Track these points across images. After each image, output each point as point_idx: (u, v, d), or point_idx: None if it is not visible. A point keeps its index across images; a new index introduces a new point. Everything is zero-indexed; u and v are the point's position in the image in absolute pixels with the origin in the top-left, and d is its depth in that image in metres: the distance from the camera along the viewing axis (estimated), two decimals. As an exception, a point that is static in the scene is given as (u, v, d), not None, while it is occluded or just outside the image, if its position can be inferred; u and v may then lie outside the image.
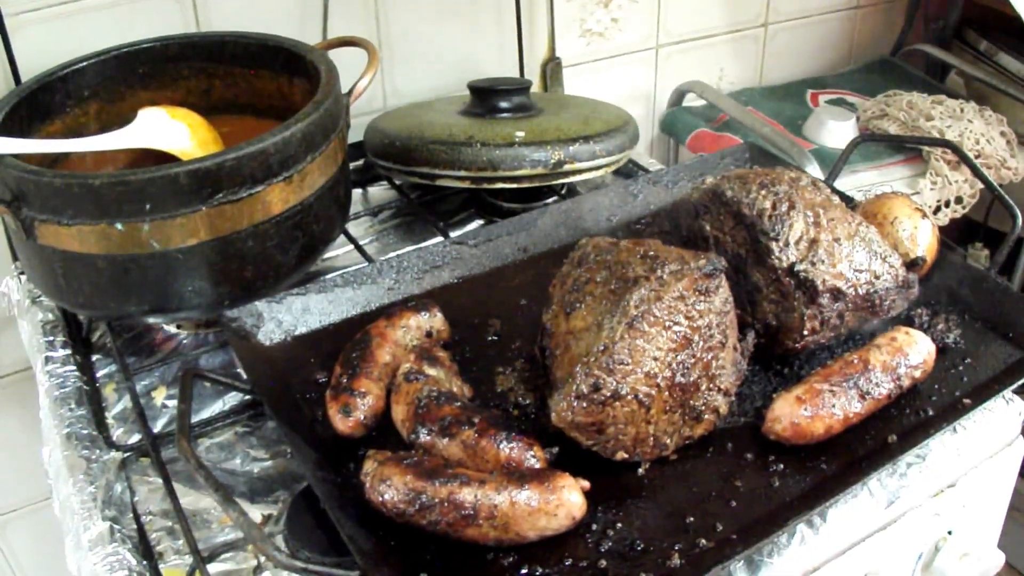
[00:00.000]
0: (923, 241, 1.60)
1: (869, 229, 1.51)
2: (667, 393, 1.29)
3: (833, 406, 1.34)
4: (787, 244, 1.44)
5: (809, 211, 1.47)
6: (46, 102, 1.75)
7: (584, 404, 1.26)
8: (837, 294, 1.45)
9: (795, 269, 1.43)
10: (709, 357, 1.33)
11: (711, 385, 1.34)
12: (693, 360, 1.31)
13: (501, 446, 1.26)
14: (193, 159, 1.47)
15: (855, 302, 1.47)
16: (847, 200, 1.71)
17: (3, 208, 1.47)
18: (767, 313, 1.46)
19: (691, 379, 1.31)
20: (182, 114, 1.75)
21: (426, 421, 1.30)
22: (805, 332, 1.45)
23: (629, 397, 1.26)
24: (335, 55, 1.78)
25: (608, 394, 1.26)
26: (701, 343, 1.32)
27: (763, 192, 1.48)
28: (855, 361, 1.40)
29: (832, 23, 2.99)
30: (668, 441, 1.33)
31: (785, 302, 1.45)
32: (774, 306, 1.46)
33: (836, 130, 2.56)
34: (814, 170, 2.23)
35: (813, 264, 1.43)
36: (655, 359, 1.28)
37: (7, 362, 2.18)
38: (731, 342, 1.37)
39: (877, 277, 1.48)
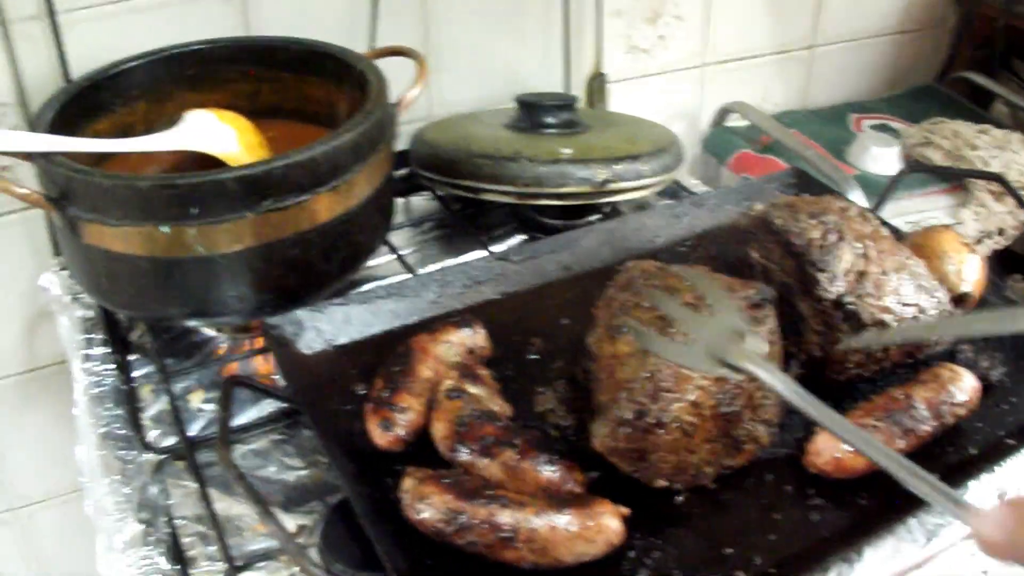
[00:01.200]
0: (970, 276, 1.59)
1: (918, 263, 1.49)
2: (711, 422, 1.28)
3: (876, 442, 1.33)
4: (835, 276, 1.43)
5: (858, 243, 1.46)
6: (95, 100, 1.75)
7: (628, 430, 1.25)
8: (883, 327, 1.44)
9: (842, 301, 1.42)
10: (753, 387, 1.32)
11: (754, 416, 1.33)
12: (738, 390, 1.30)
13: (542, 469, 1.25)
14: (242, 165, 1.48)
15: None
16: (895, 232, 1.70)
17: (50, 206, 1.47)
18: (812, 344, 1.45)
19: (734, 408, 1.30)
20: (230, 118, 1.75)
21: (467, 440, 1.30)
22: (849, 365, 1.44)
23: (673, 425, 1.26)
24: (380, 63, 1.78)
25: (652, 421, 1.25)
26: None
27: (812, 222, 1.47)
28: (899, 397, 1.38)
29: (878, 47, 2.97)
30: (708, 470, 1.33)
31: (830, 334, 1.43)
32: (819, 337, 1.45)
33: (880, 156, 2.54)
34: (858, 196, 2.22)
35: (860, 297, 1.42)
36: (700, 388, 1.27)
37: (43, 355, 2.19)
38: None
39: (923, 311, 1.47)
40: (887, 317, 1.43)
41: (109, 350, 1.72)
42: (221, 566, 1.34)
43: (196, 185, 1.43)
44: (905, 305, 1.45)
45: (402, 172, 2.14)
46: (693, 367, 1.23)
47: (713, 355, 1.20)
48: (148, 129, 1.82)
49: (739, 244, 1.54)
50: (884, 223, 1.63)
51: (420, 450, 1.38)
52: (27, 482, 2.38)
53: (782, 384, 1.15)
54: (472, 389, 1.38)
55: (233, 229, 1.47)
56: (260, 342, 1.73)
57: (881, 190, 2.07)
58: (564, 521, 1.17)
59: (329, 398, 1.48)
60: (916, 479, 1.01)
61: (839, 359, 1.44)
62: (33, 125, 1.59)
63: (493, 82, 2.36)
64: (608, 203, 2.09)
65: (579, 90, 2.47)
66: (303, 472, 1.50)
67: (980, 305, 1.61)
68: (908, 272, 1.47)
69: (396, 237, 2.02)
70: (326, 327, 1.57)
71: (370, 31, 2.10)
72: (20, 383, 2.21)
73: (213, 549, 1.38)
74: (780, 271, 1.48)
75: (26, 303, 2.10)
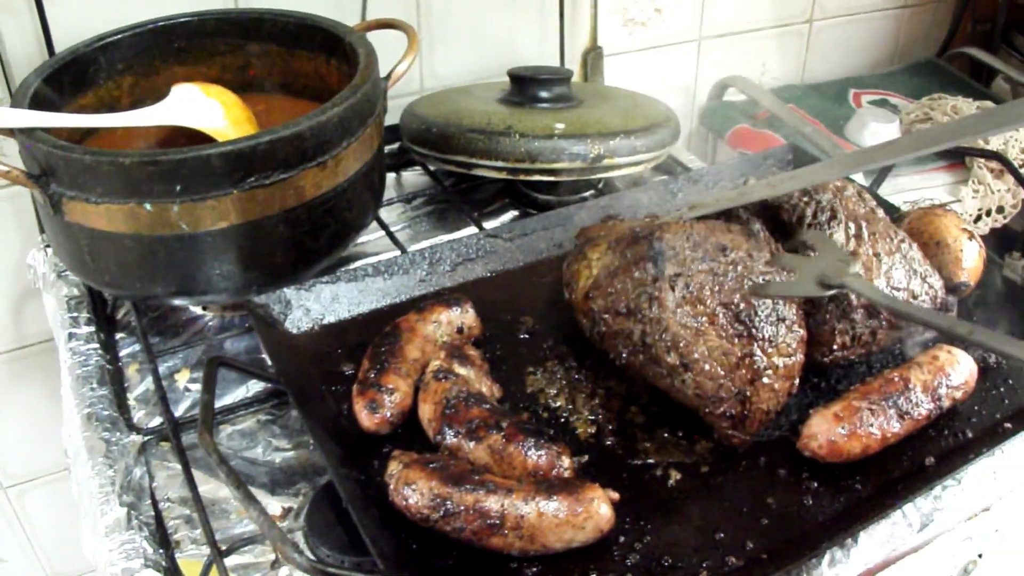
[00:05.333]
0: (968, 265, 1.55)
1: (911, 247, 1.47)
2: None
3: (871, 425, 1.30)
4: None
5: (851, 223, 1.43)
6: (80, 74, 1.72)
7: None
8: (871, 311, 1.41)
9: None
10: None
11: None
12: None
13: (528, 453, 1.23)
14: (226, 141, 1.44)
15: (889, 320, 1.43)
16: (893, 211, 1.67)
17: (31, 183, 1.44)
18: None
19: None
20: (216, 92, 1.72)
21: (453, 423, 1.27)
22: (835, 347, 1.41)
23: None
24: (372, 36, 1.75)
25: None
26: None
27: (805, 199, 1.44)
28: (895, 379, 1.36)
29: (878, 22, 2.94)
30: None
31: (817, 314, 1.41)
32: (806, 316, 1.42)
33: (879, 132, 2.51)
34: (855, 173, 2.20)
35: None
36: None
37: (31, 332, 2.17)
38: None
39: (915, 297, 1.44)
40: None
41: (94, 329, 1.70)
42: (206, 550, 1.32)
43: (179, 161, 1.40)
44: (896, 289, 1.42)
45: (393, 147, 2.12)
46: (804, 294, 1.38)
47: (821, 281, 1.36)
48: (134, 104, 1.79)
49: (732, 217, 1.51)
50: (881, 202, 1.60)
51: (407, 432, 1.36)
52: (16, 461, 2.36)
53: (876, 295, 1.34)
54: (460, 370, 1.36)
55: (218, 206, 1.44)
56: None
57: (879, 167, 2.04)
58: (552, 507, 1.15)
59: (316, 378, 1.46)
60: None
61: (825, 340, 1.41)
62: (15, 99, 1.56)
63: (486, 55, 2.32)
64: (602, 179, 2.07)
65: (575, 64, 2.44)
66: (290, 453, 1.48)
67: (976, 291, 1.59)
68: (902, 256, 1.45)
69: (387, 213, 2.00)
70: (313, 306, 1.55)
71: (361, 3, 2.07)
72: (8, 361, 2.19)
73: (198, 532, 1.36)
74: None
75: (14, 281, 2.07)
